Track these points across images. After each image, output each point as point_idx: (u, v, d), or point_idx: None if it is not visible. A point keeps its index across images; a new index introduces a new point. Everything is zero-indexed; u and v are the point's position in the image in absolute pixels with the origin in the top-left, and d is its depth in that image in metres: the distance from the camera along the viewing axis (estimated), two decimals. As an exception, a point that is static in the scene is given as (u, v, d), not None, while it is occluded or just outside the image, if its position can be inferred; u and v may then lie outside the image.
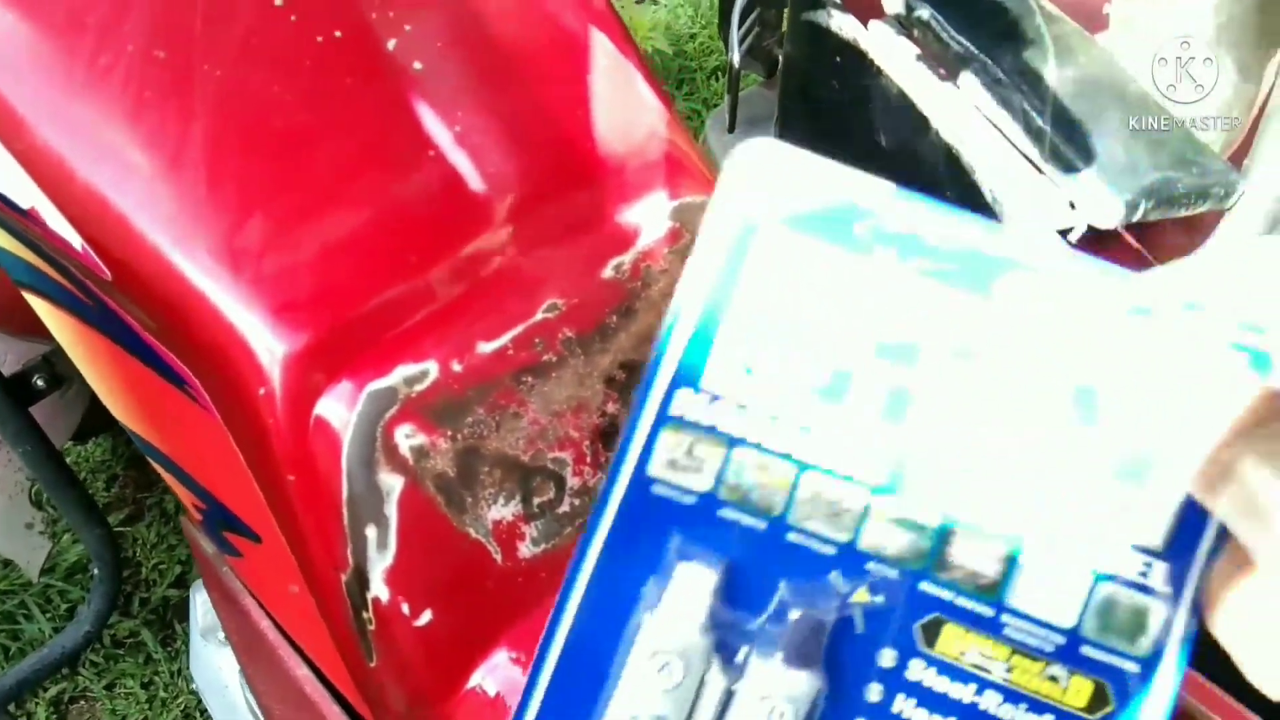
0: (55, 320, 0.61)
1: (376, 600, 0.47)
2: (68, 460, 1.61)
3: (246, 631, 0.57)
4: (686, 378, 0.33)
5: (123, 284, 0.48)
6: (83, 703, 1.55)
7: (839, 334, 0.32)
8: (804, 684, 0.33)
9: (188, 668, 1.52)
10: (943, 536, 0.33)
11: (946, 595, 0.33)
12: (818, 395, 0.33)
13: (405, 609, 0.47)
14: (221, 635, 0.94)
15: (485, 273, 0.50)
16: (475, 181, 0.50)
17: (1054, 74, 1.08)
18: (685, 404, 0.33)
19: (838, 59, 1.18)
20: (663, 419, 0.33)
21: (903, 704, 0.34)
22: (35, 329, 1.29)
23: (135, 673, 1.55)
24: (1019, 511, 0.33)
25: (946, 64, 1.10)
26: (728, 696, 0.34)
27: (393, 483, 0.47)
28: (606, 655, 0.34)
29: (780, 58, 1.72)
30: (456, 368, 0.48)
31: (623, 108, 0.55)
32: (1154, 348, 0.31)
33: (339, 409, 0.46)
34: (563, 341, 0.50)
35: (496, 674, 0.49)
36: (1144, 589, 0.32)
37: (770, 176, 0.32)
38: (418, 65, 0.51)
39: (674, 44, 2.45)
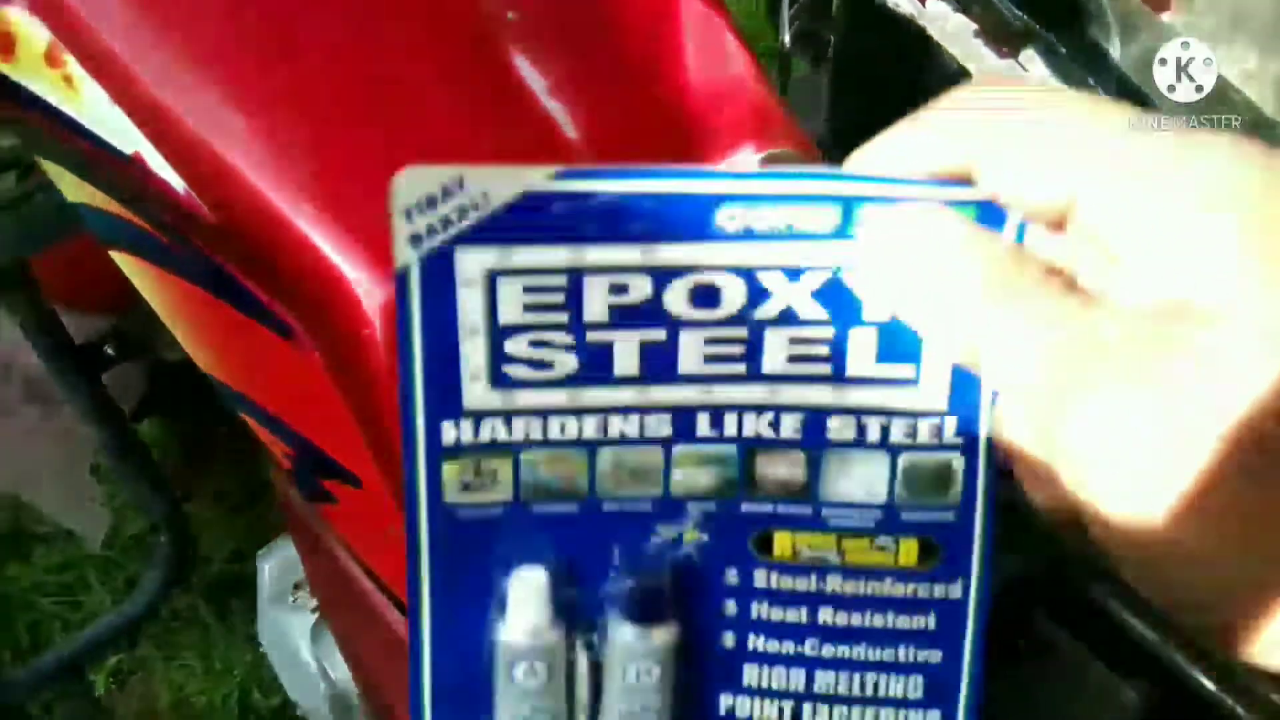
0: (145, 276, 0.62)
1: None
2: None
3: (336, 579, 0.58)
4: (444, 410, 0.33)
5: (226, 228, 0.49)
6: (141, 673, 1.58)
7: (564, 319, 0.32)
8: (659, 638, 0.35)
9: (245, 640, 1.55)
10: (746, 460, 0.34)
11: (766, 509, 0.35)
12: (575, 379, 0.33)
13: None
14: (291, 599, 0.96)
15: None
16: (570, 131, 0.50)
17: (1118, 51, 1.07)
18: (453, 433, 0.33)
19: (893, 39, 1.17)
20: (436, 452, 0.33)
21: (759, 609, 0.36)
22: (106, 306, 1.32)
23: (193, 645, 1.58)
24: (808, 428, 0.33)
25: (1007, 41, 1.09)
26: (597, 671, 0.35)
27: (490, 426, 0.47)
28: (476, 682, 0.35)
29: (830, 41, 1.70)
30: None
31: (712, 59, 0.55)
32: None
33: (441, 351, 0.47)
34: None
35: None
36: (941, 448, 0.33)
37: (422, 207, 0.31)
38: (511, 15, 0.51)
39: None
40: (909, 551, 0.35)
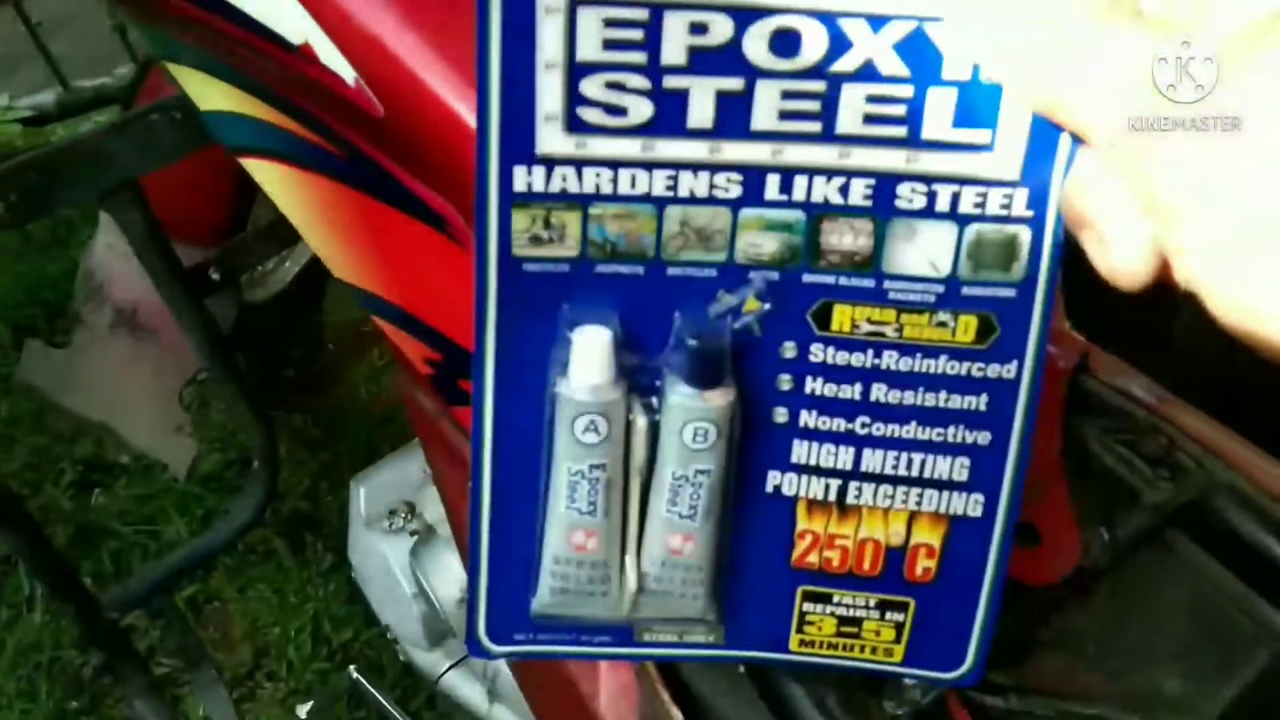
0: (285, 180, 0.63)
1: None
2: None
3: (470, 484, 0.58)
4: (517, 154, 0.33)
5: (394, 120, 0.49)
6: (216, 604, 1.62)
7: (641, 59, 0.31)
8: (718, 400, 0.35)
9: (318, 576, 1.58)
10: (811, 228, 0.34)
11: (828, 280, 0.35)
12: (648, 128, 0.32)
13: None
14: (386, 524, 0.97)
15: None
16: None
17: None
18: (525, 179, 0.33)
19: None
20: (508, 200, 0.34)
21: (812, 384, 0.36)
22: (196, 237, 1.33)
23: (267, 579, 1.61)
24: (878, 194, 0.33)
25: None
26: (654, 430, 0.36)
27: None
28: (534, 434, 0.36)
29: None
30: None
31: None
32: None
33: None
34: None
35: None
36: (1009, 220, 0.33)
37: None
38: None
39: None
40: (967, 328, 0.35)
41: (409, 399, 0.63)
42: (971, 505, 0.37)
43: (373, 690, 1.12)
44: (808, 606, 0.39)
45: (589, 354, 0.35)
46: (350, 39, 0.49)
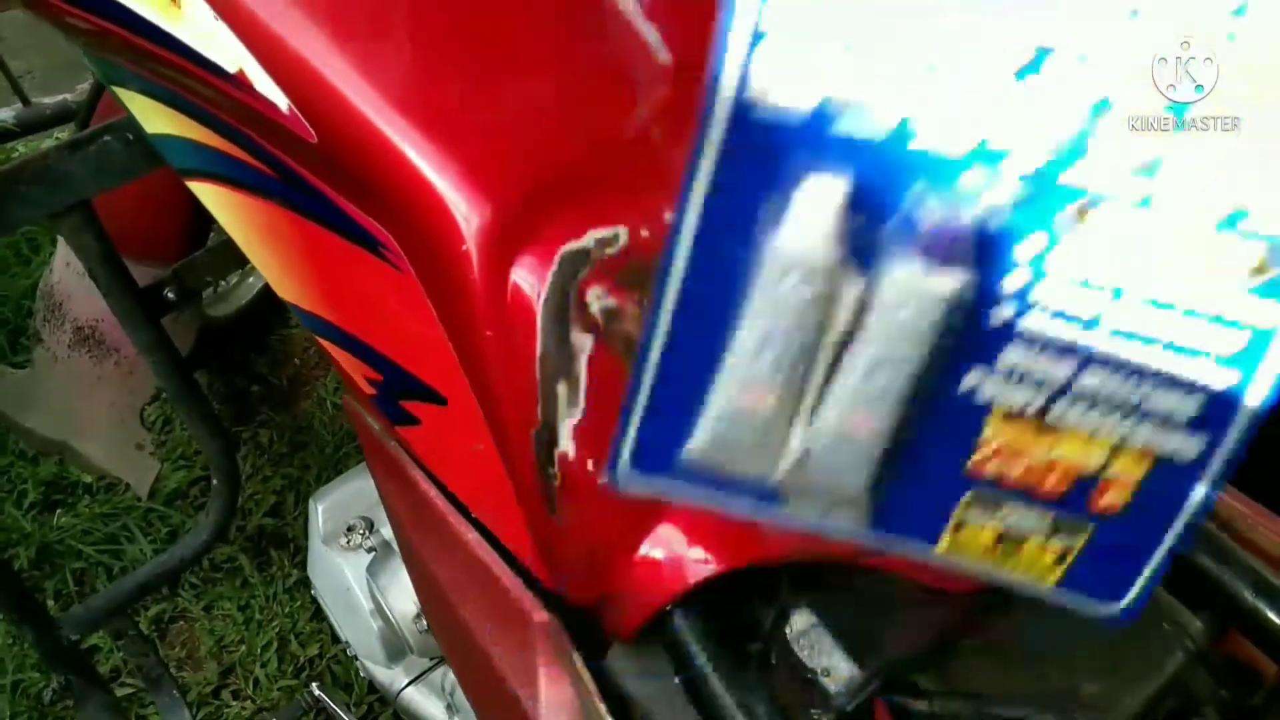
0: (227, 203, 0.64)
1: (563, 456, 0.49)
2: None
3: (414, 501, 0.59)
4: None
5: (327, 146, 0.50)
6: (181, 623, 1.61)
7: None
8: (943, 285, 0.32)
9: (284, 591, 1.57)
10: (1093, 120, 0.30)
11: (1095, 184, 0.31)
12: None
13: (590, 465, 0.49)
14: (344, 541, 0.98)
15: (675, 138, 0.51)
16: (662, 54, 0.51)
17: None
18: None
19: None
20: (756, 39, 0.30)
21: (1051, 286, 0.32)
22: (155, 254, 1.33)
23: (232, 595, 1.60)
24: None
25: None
26: (861, 306, 0.32)
27: (583, 342, 0.48)
28: (729, 278, 0.33)
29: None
30: (644, 233, 0.49)
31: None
32: None
33: (535, 268, 0.48)
34: (743, 215, 0.51)
35: (665, 542, 0.51)
36: None
37: None
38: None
39: None
40: (1251, 256, 0.31)
41: (356, 417, 0.64)
42: (1188, 447, 0.33)
43: (335, 706, 1.12)
44: (972, 514, 0.36)
45: (812, 209, 0.31)
46: (282, 66, 0.50)
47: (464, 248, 0.47)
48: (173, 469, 1.71)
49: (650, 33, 0.51)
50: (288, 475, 1.72)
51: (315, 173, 0.53)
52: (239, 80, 0.51)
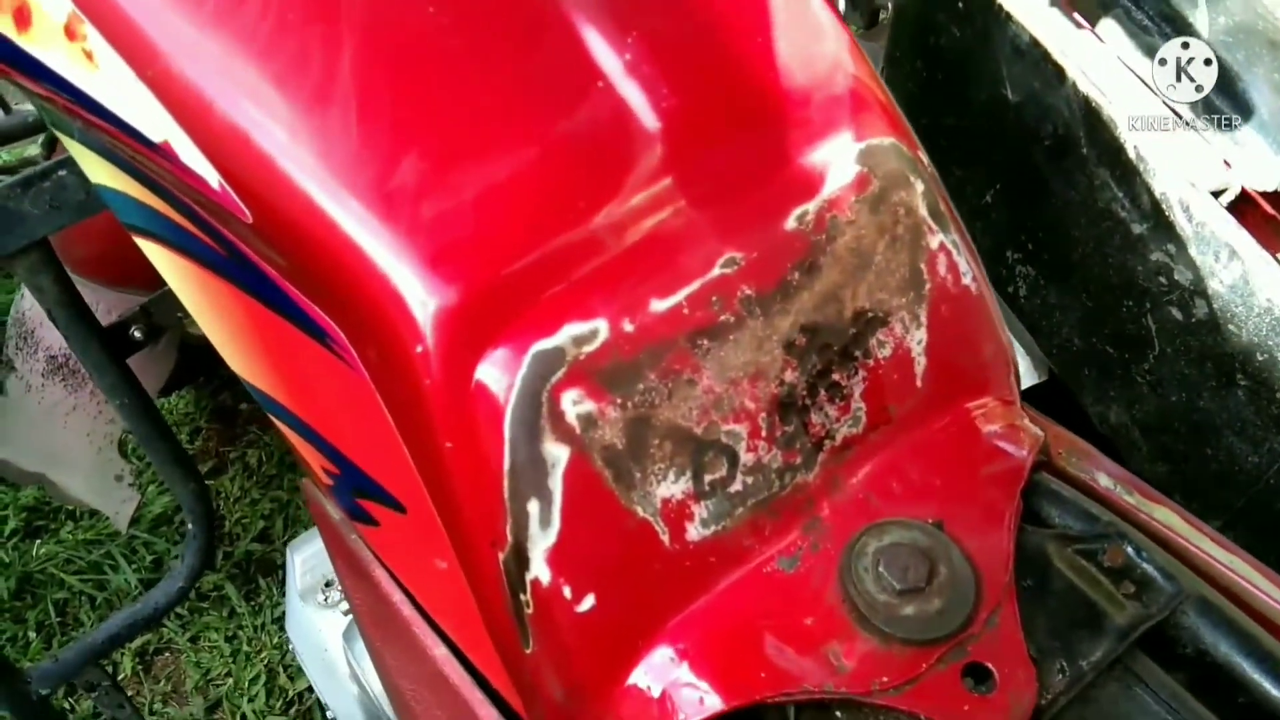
0: (172, 267, 0.58)
1: (536, 582, 0.43)
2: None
3: (377, 605, 0.53)
4: None
5: (264, 226, 0.44)
6: (167, 654, 1.56)
7: None
8: None
9: (272, 622, 1.52)
10: None
11: None
12: None
13: (567, 592, 0.43)
14: (321, 598, 0.92)
15: (657, 222, 0.44)
16: (647, 117, 0.45)
17: (1204, 21, 1.01)
18: None
19: (959, 4, 1.10)
20: None
21: None
22: (132, 281, 1.27)
23: (219, 626, 1.55)
24: None
25: (1084, 10, 1.03)
26: None
27: (558, 454, 0.42)
28: None
29: (887, 5, 1.63)
30: (628, 327, 0.43)
31: (806, 35, 0.49)
32: None
33: (502, 370, 0.41)
34: (741, 300, 0.45)
35: (659, 671, 0.45)
36: None
37: None
38: (583, -14, 0.45)
39: None
40: None
41: (312, 504, 0.58)
42: None
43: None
44: None
45: None
46: (211, 139, 0.43)
47: (419, 348, 0.41)
48: (157, 493, 1.66)
49: (634, 95, 0.45)
50: (276, 499, 1.67)
51: (257, 253, 0.47)
52: (165, 151, 0.45)
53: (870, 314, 0.48)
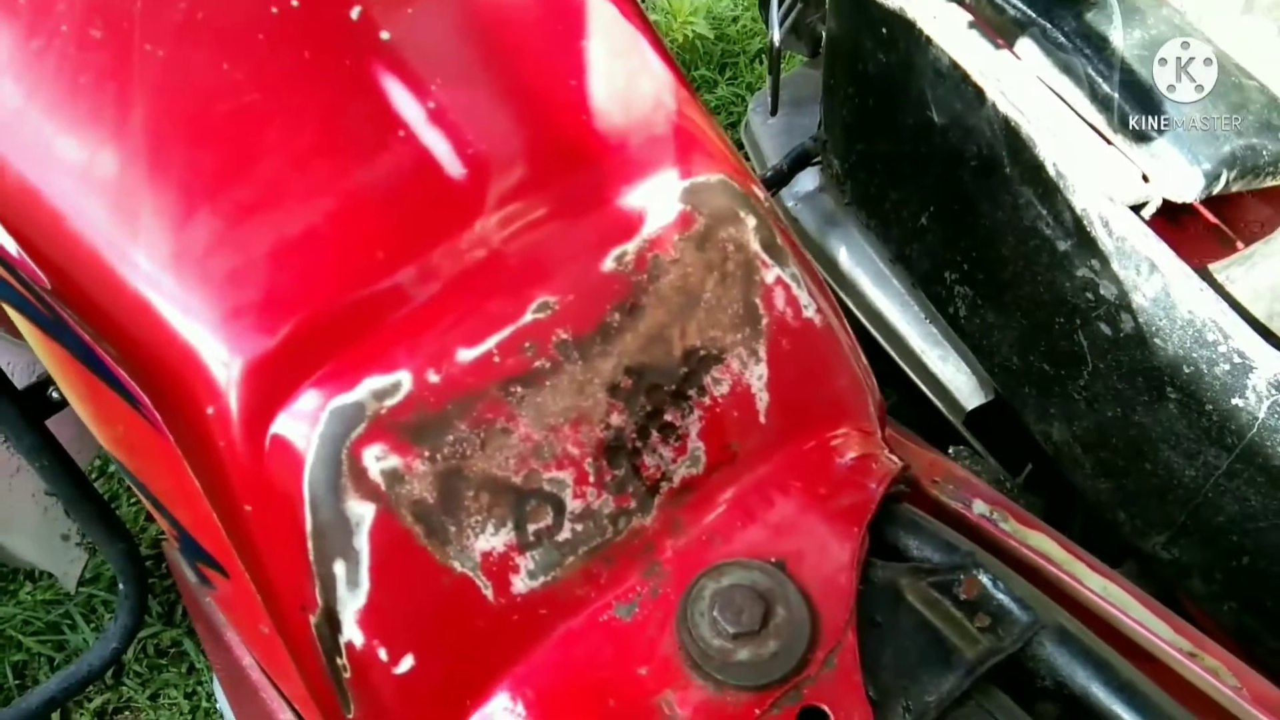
0: (27, 330, 0.57)
1: (350, 645, 0.41)
2: (101, 466, 1.60)
3: (230, 667, 0.52)
4: None
5: (63, 292, 0.43)
6: (127, 713, 1.54)
7: None
8: None
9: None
10: None
11: None
12: None
13: (383, 654, 0.42)
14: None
15: (465, 268, 0.43)
16: (451, 165, 0.44)
17: (1120, 37, 1.00)
18: None
19: (883, 30, 1.10)
20: None
21: None
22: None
23: (178, 683, 1.53)
24: None
25: (1002, 30, 1.02)
26: None
27: (362, 511, 0.41)
28: None
29: (824, 34, 1.64)
30: (433, 378, 0.42)
31: (624, 76, 0.48)
32: None
33: (299, 428, 0.40)
34: (557, 345, 0.44)
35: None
36: None
37: None
38: (385, 34, 0.45)
39: (715, 28, 2.38)
40: None
41: (173, 565, 0.57)
42: None
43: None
44: None
45: None
46: (2, 206, 0.43)
47: (211, 409, 0.40)
48: (115, 550, 1.64)
49: (438, 143, 0.44)
50: (236, 551, 1.65)
51: (69, 318, 0.46)
52: (-37, 218, 0.44)
53: (703, 352, 0.47)
